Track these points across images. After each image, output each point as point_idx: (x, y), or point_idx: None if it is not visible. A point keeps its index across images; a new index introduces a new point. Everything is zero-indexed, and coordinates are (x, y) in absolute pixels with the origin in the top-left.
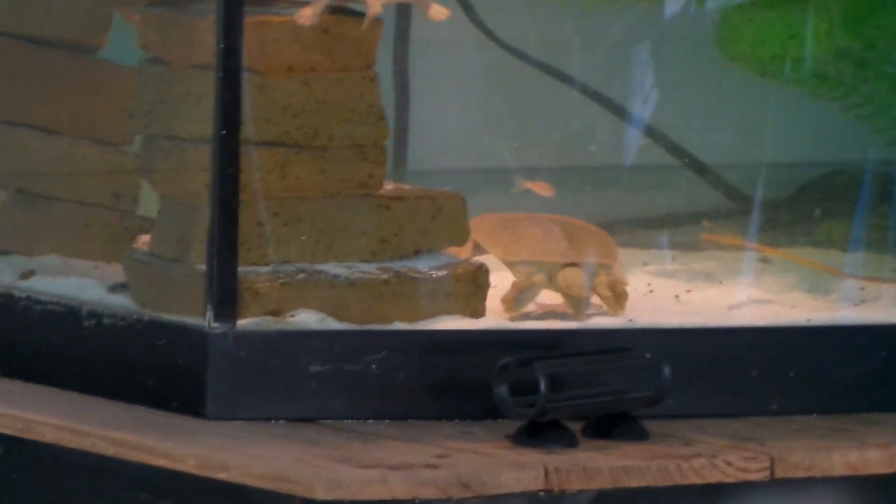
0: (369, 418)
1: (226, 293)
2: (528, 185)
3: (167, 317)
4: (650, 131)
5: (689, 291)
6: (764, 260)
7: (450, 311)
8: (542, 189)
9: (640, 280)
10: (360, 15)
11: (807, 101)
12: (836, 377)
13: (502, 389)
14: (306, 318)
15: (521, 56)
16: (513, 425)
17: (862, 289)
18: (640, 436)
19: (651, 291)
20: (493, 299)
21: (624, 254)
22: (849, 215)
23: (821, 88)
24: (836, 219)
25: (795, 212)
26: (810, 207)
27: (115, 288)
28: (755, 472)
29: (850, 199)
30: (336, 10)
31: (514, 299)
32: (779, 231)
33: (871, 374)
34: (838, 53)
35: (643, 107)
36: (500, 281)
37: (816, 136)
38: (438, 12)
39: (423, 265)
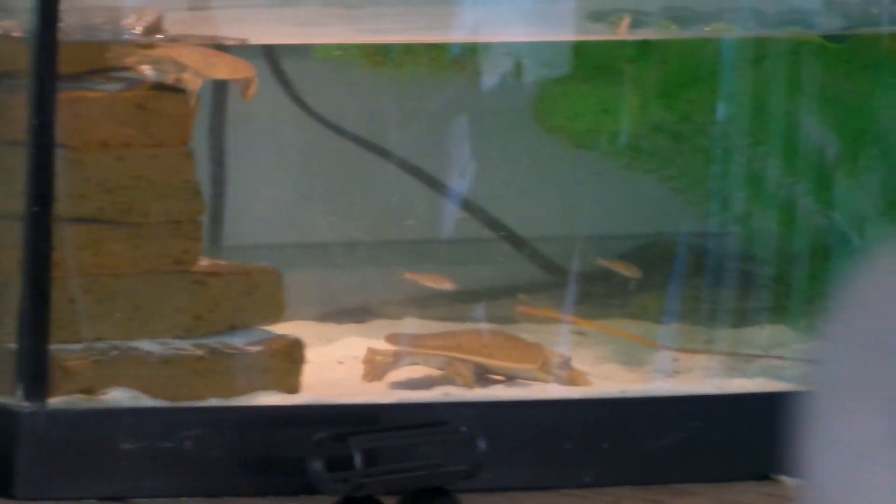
0: (183, 496)
1: (36, 371)
2: (410, 276)
3: None
4: (467, 205)
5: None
6: (579, 332)
7: (265, 387)
8: (433, 281)
9: None
10: (176, 91)
11: (623, 173)
12: (650, 448)
13: (317, 465)
14: (119, 396)
15: (339, 130)
16: (329, 500)
17: (675, 360)
18: None
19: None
20: (309, 374)
21: (438, 328)
22: (662, 287)
23: (636, 160)
24: (650, 291)
25: (610, 284)
26: (625, 280)
27: None
28: None
29: (663, 271)
30: (153, 87)
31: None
32: (594, 303)
33: (684, 444)
34: (654, 127)
35: (460, 180)
36: (317, 357)
37: (632, 208)
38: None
39: (238, 341)
